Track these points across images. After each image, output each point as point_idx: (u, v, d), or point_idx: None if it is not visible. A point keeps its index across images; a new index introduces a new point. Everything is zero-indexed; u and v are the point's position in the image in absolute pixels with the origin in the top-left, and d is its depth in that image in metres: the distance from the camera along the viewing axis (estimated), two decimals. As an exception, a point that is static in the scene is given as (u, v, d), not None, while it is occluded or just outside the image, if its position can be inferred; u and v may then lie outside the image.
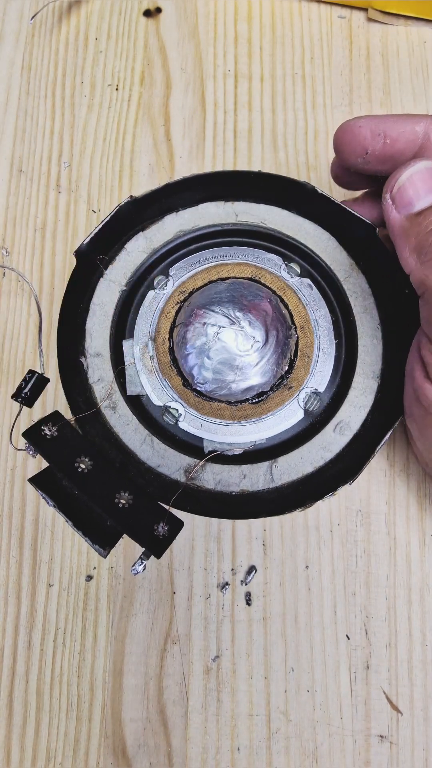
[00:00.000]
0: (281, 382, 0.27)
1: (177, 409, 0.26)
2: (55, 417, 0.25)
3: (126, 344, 0.27)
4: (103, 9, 0.43)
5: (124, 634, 0.32)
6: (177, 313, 0.28)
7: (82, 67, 0.42)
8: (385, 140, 0.24)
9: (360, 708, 0.31)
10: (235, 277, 0.28)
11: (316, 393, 0.26)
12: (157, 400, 0.27)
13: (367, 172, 0.26)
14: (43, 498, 0.23)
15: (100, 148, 0.40)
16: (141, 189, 0.37)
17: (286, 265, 0.28)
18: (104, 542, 0.23)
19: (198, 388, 0.27)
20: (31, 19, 0.42)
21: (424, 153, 0.24)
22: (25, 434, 0.24)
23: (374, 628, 0.32)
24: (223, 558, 0.33)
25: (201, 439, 0.26)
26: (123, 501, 0.23)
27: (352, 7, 0.43)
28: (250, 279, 0.28)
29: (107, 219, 0.28)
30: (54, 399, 0.35)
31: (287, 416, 0.26)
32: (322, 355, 0.27)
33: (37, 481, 0.23)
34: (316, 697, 0.31)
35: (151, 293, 0.28)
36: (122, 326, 0.28)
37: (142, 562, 0.23)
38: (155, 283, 0.28)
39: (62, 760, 0.31)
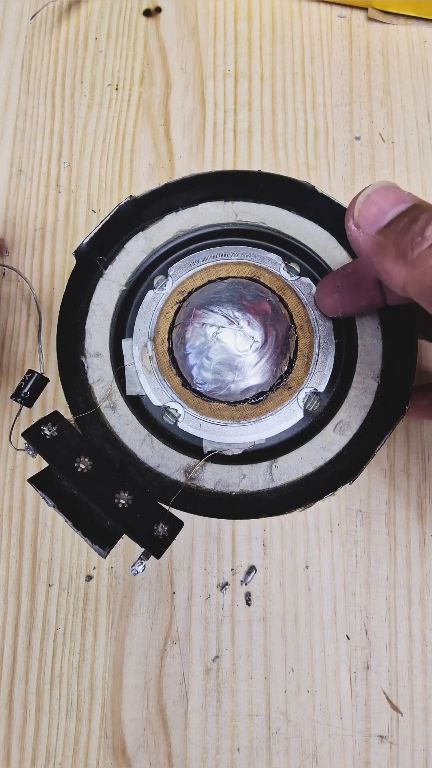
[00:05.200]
0: (281, 382, 0.27)
1: (176, 410, 0.26)
2: (54, 417, 0.24)
3: (125, 344, 0.27)
4: (102, 9, 0.43)
5: (123, 634, 0.32)
6: (176, 313, 0.28)
7: (82, 67, 0.42)
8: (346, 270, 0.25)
9: (360, 708, 0.31)
10: (235, 277, 0.28)
11: (315, 393, 0.26)
12: (156, 401, 0.27)
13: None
14: (43, 498, 0.23)
15: (100, 147, 0.40)
16: (141, 189, 0.37)
17: (286, 264, 0.28)
18: (104, 542, 0.22)
19: (197, 389, 0.26)
20: (31, 18, 0.42)
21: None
22: (24, 434, 0.24)
23: (374, 629, 0.32)
24: (222, 558, 0.33)
25: (200, 440, 0.26)
26: (123, 501, 0.23)
27: (352, 7, 0.43)
28: (250, 278, 0.28)
29: (107, 219, 0.28)
30: (54, 399, 0.35)
31: (287, 416, 0.26)
32: (322, 355, 0.27)
33: (36, 481, 0.23)
34: (316, 697, 0.31)
35: (150, 293, 0.28)
36: (122, 326, 0.28)
37: (141, 563, 0.23)
38: (155, 282, 0.28)
39: (62, 760, 0.31)
